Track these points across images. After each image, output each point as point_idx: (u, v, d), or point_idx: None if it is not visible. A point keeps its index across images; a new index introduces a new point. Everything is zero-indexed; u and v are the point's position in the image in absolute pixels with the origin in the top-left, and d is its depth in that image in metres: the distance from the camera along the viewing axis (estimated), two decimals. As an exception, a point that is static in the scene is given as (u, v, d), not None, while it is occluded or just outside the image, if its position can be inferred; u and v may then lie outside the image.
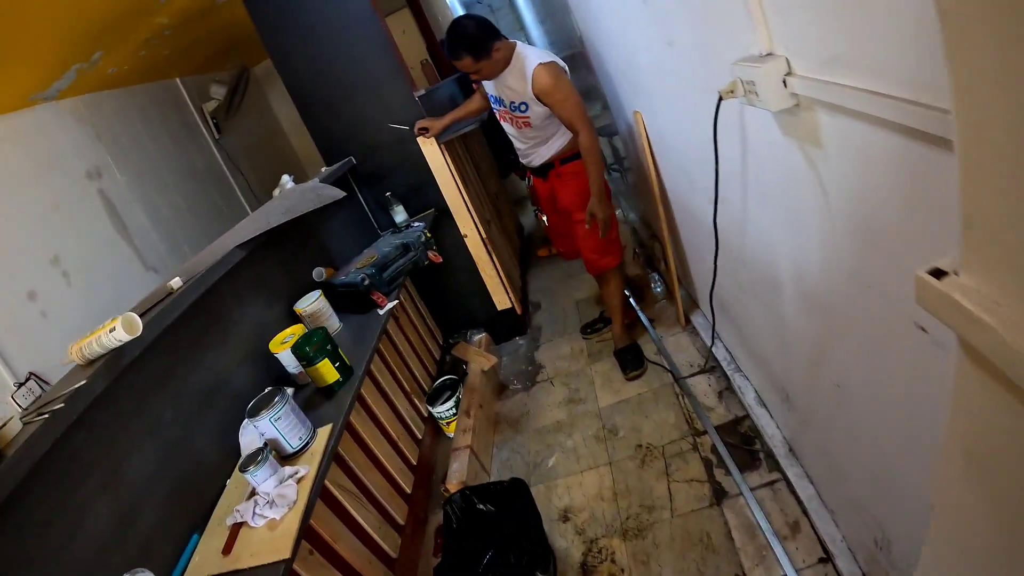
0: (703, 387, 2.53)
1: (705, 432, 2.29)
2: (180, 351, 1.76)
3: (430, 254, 2.46)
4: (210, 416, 1.80)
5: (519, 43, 2.42)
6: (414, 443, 2.62)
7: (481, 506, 1.97)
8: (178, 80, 3.99)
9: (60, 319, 2.43)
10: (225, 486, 1.73)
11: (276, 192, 2.59)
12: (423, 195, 3.16)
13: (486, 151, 4.63)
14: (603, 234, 2.49)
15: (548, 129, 2.56)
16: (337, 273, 2.52)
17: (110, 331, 1.36)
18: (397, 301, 2.42)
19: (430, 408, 2.85)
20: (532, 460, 2.57)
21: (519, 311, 3.47)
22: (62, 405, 1.23)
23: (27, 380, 2.14)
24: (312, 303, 2.22)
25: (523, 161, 2.75)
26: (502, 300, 3.40)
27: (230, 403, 1.86)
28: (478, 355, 3.08)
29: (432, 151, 3.02)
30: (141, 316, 1.44)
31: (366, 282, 2.32)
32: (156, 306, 1.64)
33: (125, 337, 1.36)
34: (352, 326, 2.34)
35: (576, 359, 3.12)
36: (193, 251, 3.33)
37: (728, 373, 2.40)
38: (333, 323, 2.29)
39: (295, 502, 1.52)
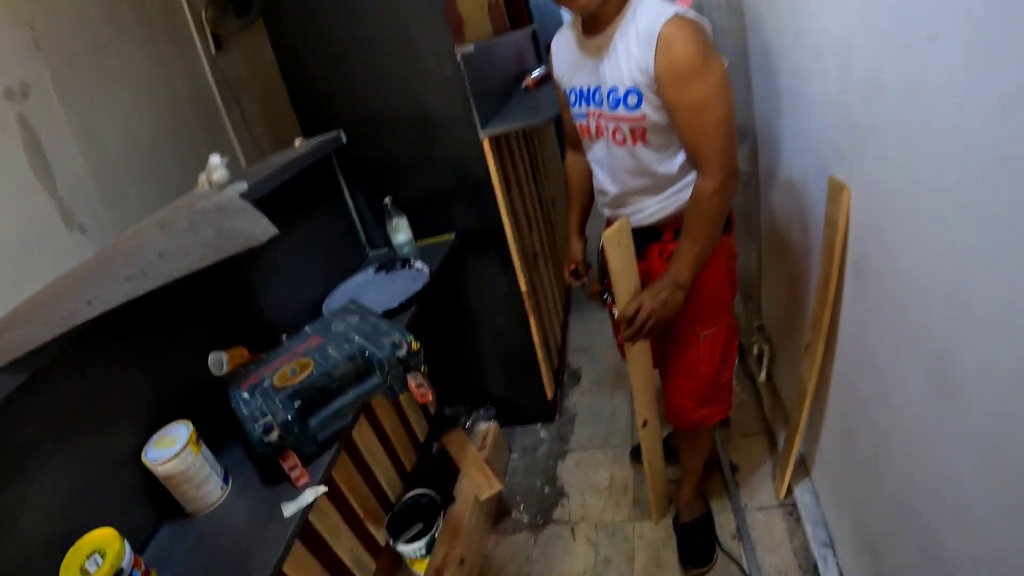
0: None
1: None
2: None
3: (410, 383, 1.43)
4: None
5: None
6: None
7: None
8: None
9: None
10: None
11: (202, 183, 1.57)
12: (443, 211, 2.13)
13: (552, 144, 3.52)
14: (633, 335, 1.47)
15: (674, 159, 1.39)
16: (253, 365, 1.48)
17: None
18: (326, 488, 1.23)
19: (391, 542, 1.91)
20: None
21: (551, 396, 2.47)
22: None
23: None
24: (172, 459, 1.15)
25: (606, 210, 1.63)
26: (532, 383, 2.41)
27: None
28: (477, 470, 2.10)
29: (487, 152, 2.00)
30: None
31: (269, 437, 1.17)
32: None
33: None
34: (249, 498, 1.26)
35: (616, 500, 2.12)
36: (145, 204, 2.34)
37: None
38: (209, 495, 1.23)
39: None
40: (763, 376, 2.21)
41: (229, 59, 2.79)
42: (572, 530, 2.05)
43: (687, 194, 1.38)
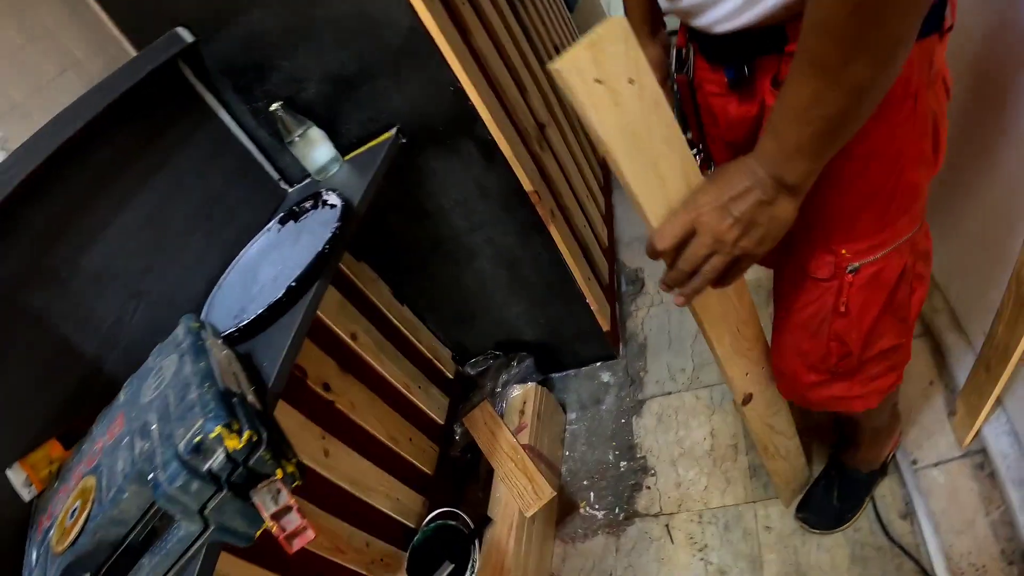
0: None
1: None
2: None
3: (262, 511, 0.71)
4: None
5: None
6: None
7: None
8: None
9: None
10: None
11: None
12: (369, 99, 1.33)
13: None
14: (681, 283, 0.66)
15: None
16: (61, 476, 0.84)
17: None
18: None
19: (413, 591, 1.35)
20: None
21: (606, 326, 1.74)
22: None
23: None
24: None
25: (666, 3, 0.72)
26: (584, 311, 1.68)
27: None
28: (517, 468, 1.46)
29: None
30: None
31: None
32: None
33: None
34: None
35: (723, 473, 1.44)
36: None
37: None
38: None
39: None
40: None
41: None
42: (667, 527, 1.41)
43: None
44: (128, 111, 1.12)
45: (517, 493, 1.41)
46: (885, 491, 1.26)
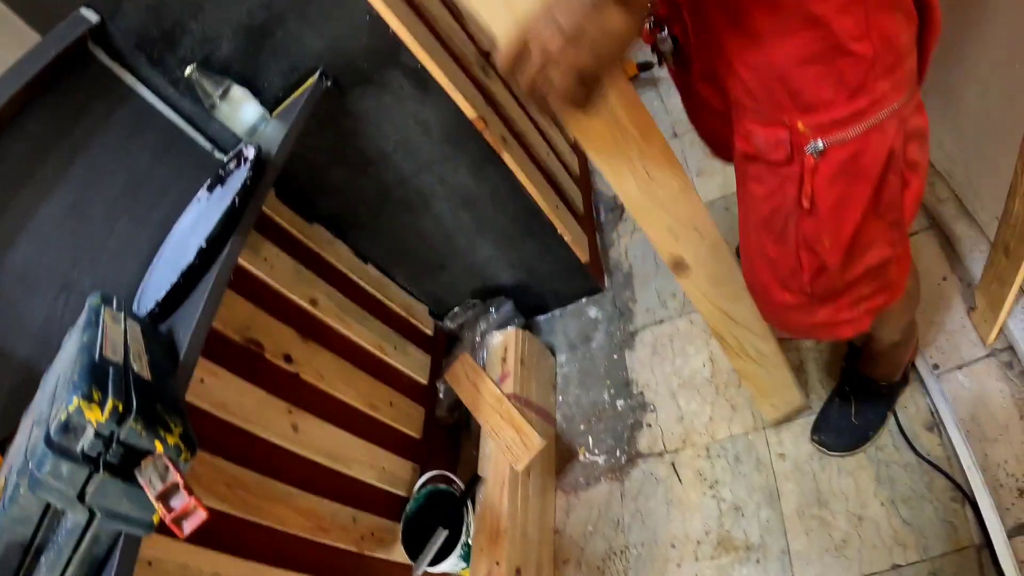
0: None
1: None
2: None
3: (148, 492, 0.58)
4: None
5: None
6: None
7: None
8: None
9: None
10: None
11: None
12: (286, 42, 1.18)
13: None
14: (530, 91, 0.56)
15: None
16: None
17: None
18: None
19: (413, 565, 1.27)
20: None
21: (585, 257, 1.60)
22: None
23: None
24: None
25: None
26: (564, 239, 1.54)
27: None
28: (504, 420, 1.35)
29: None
30: None
31: None
32: None
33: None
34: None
35: (727, 400, 1.32)
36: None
37: None
38: None
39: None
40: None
41: None
42: (673, 465, 1.31)
43: None
44: (39, 98, 1.07)
45: (506, 446, 1.31)
46: (907, 402, 1.14)
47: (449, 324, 1.68)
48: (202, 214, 1.12)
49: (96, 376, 0.58)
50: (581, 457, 1.43)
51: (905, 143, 0.63)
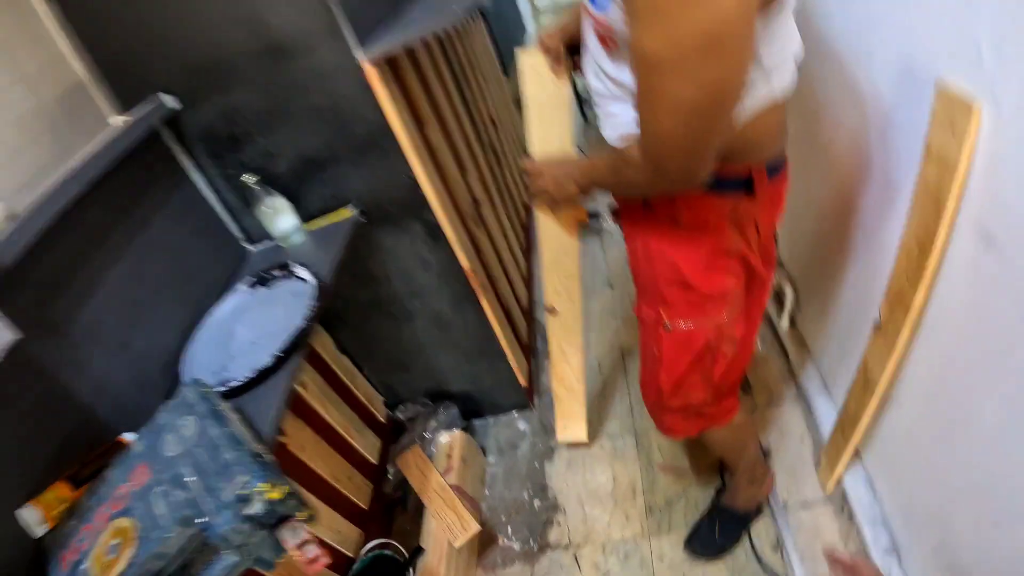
0: None
1: None
2: None
3: (287, 543, 0.89)
4: None
5: None
6: None
7: None
8: None
9: None
10: None
11: None
12: (331, 177, 1.52)
13: (483, 39, 2.81)
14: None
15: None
16: (77, 515, 0.94)
17: None
18: None
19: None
20: None
21: (524, 382, 1.98)
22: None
23: None
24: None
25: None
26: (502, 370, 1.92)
27: None
28: (446, 505, 1.65)
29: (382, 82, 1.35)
30: None
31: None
32: None
33: None
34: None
35: (623, 510, 1.70)
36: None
37: None
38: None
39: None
40: (785, 323, 1.74)
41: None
42: (575, 556, 1.64)
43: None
44: (116, 171, 1.24)
45: (446, 526, 1.60)
46: (760, 528, 1.54)
47: (399, 415, 1.97)
48: (245, 306, 1.39)
49: (263, 465, 0.87)
50: (500, 543, 1.74)
51: (720, 342, 1.09)
